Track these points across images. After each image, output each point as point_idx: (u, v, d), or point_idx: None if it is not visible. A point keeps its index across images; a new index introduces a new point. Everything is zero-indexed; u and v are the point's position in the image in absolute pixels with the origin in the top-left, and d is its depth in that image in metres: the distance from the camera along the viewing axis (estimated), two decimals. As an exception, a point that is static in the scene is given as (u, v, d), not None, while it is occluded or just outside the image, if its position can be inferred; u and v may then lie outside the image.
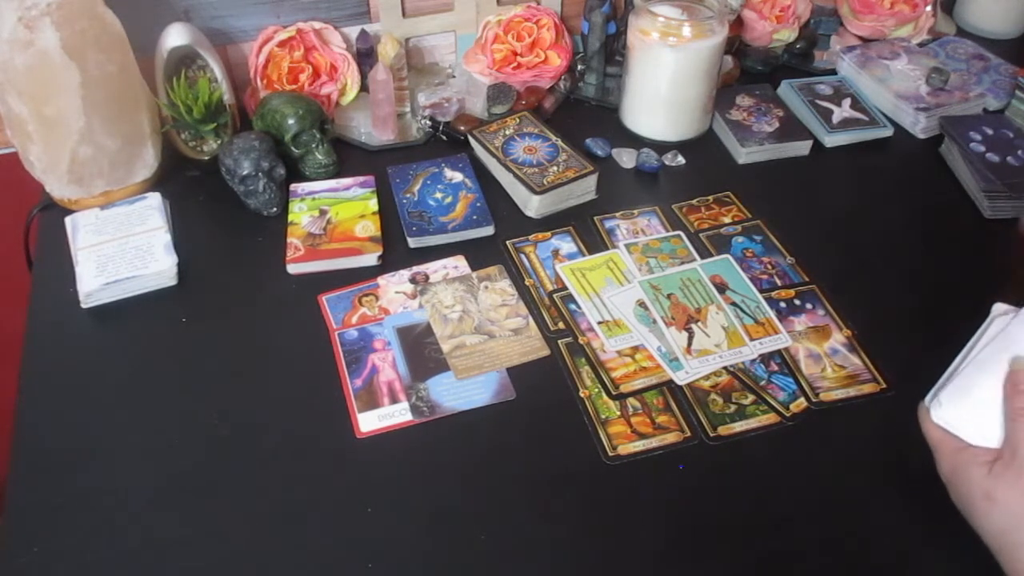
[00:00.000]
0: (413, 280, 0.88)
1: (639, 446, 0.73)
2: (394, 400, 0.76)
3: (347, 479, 0.70)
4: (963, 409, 0.60)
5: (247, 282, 0.89)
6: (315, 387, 0.78)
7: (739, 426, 0.75)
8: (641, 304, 0.85)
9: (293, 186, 0.99)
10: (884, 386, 0.78)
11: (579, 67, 1.18)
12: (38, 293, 0.88)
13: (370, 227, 0.93)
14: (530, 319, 0.84)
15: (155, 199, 0.94)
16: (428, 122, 1.09)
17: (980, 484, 0.57)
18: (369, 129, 1.08)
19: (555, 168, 0.98)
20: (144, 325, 0.84)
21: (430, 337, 0.82)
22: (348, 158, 1.04)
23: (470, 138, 1.05)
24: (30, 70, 0.85)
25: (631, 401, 0.77)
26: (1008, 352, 0.60)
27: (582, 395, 0.77)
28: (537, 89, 1.14)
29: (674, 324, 0.83)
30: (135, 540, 0.66)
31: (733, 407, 0.76)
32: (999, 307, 0.63)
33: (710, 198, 1.00)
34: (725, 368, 0.80)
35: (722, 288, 0.87)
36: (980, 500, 0.57)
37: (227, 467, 0.71)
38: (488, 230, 0.94)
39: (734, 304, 0.85)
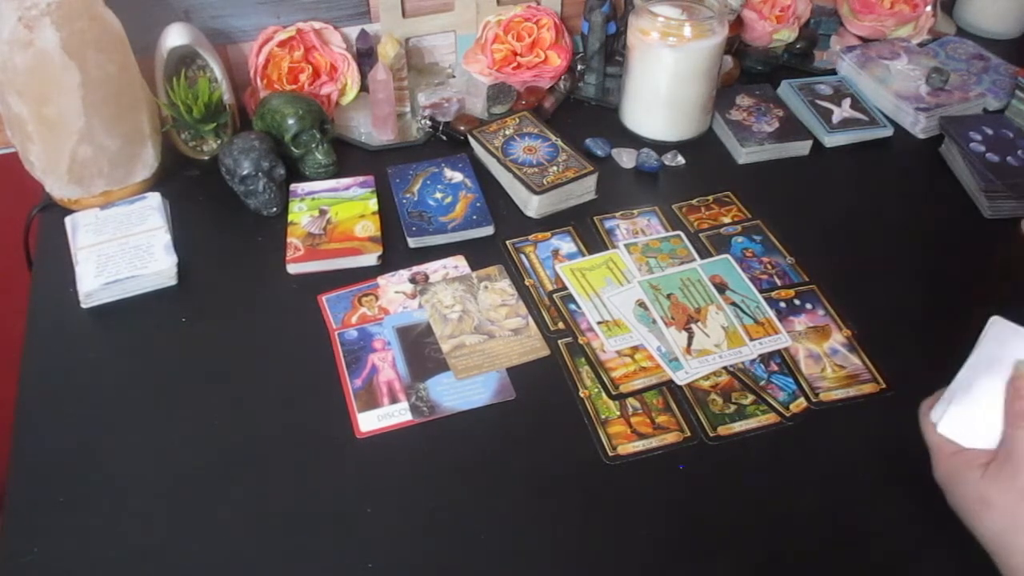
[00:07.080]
0: (413, 280, 0.88)
1: (639, 446, 0.73)
2: (394, 400, 0.76)
3: (347, 479, 0.70)
4: (960, 414, 0.60)
5: (247, 282, 0.89)
6: (315, 387, 0.78)
7: (739, 426, 0.75)
8: (641, 304, 0.85)
9: (293, 186, 0.99)
10: (884, 386, 0.78)
11: (579, 67, 1.18)
12: (38, 293, 0.88)
13: (370, 227, 0.93)
14: (530, 319, 0.84)
15: (155, 199, 0.95)
16: (428, 122, 1.09)
17: (975, 488, 0.57)
18: (369, 129, 1.08)
19: (555, 168, 0.98)
20: (144, 325, 0.84)
21: (430, 337, 0.82)
22: (348, 158, 1.04)
23: (470, 138, 1.05)
24: (30, 70, 0.85)
25: (631, 401, 0.77)
26: (1005, 356, 0.60)
27: (582, 395, 0.77)
28: (537, 89, 1.14)
29: (674, 324, 0.83)
30: (135, 540, 0.66)
31: (733, 407, 0.76)
32: (996, 319, 0.63)
33: (710, 198, 1.00)
34: (725, 368, 0.80)
35: (722, 288, 0.87)
36: (976, 503, 0.57)
37: (227, 467, 0.71)
38: (488, 230, 0.94)
39: (734, 304, 0.85)
